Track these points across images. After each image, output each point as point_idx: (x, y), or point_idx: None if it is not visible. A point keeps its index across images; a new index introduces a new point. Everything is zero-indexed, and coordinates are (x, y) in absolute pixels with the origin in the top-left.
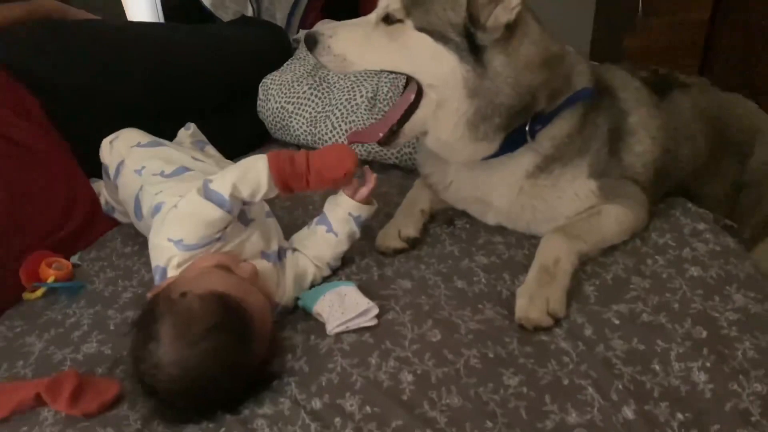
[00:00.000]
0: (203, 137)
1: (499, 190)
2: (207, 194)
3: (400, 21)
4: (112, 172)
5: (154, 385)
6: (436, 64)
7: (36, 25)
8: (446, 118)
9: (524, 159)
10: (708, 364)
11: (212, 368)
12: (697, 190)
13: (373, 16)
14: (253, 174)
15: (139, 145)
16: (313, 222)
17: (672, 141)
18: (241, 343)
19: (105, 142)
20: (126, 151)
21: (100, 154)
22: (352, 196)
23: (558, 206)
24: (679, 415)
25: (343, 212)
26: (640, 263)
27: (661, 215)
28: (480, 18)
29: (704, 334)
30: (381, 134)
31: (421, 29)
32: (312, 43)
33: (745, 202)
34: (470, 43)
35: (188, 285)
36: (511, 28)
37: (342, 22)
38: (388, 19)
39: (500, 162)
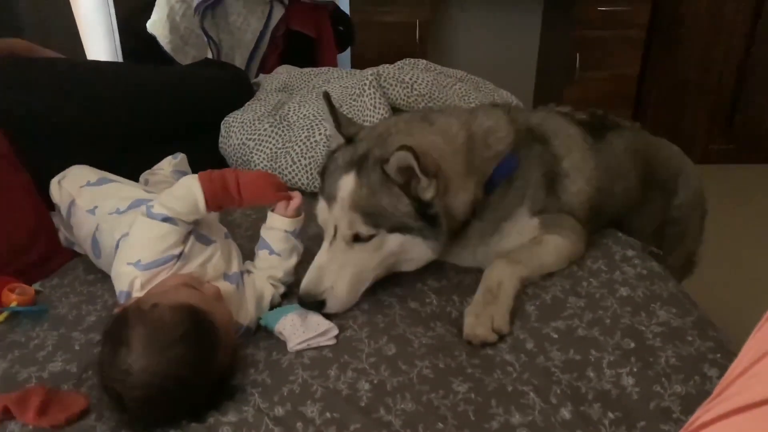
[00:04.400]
0: (187, 169)
1: (457, 258)
2: (150, 215)
3: (372, 236)
4: (64, 211)
5: (122, 393)
6: (411, 249)
7: (1, 61)
8: (416, 265)
9: (473, 232)
10: (635, 370)
11: (179, 375)
12: (628, 224)
13: (340, 243)
14: (190, 197)
15: (88, 184)
16: (256, 249)
17: (606, 180)
18: (208, 351)
19: (54, 182)
20: (76, 191)
21: (50, 193)
22: (283, 213)
23: (503, 246)
24: (610, 414)
25: (278, 232)
26: (576, 285)
27: (594, 244)
28: (422, 197)
29: (632, 344)
30: None
31: (391, 230)
32: (320, 306)
33: (669, 237)
34: (425, 216)
35: (158, 298)
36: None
37: (316, 266)
38: (359, 239)
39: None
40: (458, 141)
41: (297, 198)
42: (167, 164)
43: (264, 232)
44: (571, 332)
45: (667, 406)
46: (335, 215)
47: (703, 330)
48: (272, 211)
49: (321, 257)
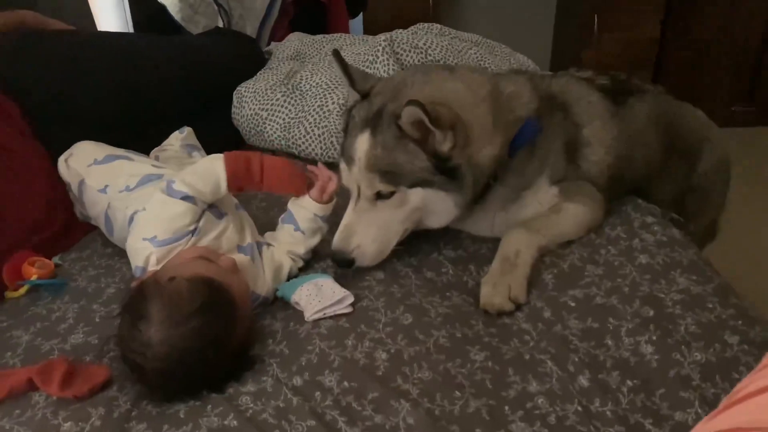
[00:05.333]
0: (196, 142)
1: (475, 226)
2: (170, 192)
3: (392, 193)
4: (75, 189)
5: (142, 364)
6: (434, 203)
7: (13, 34)
8: (442, 220)
9: (495, 198)
10: (654, 338)
11: (197, 346)
12: (648, 191)
13: (364, 202)
14: (212, 177)
15: (95, 162)
16: (280, 222)
17: (626, 148)
18: (225, 323)
19: (61, 161)
20: (84, 170)
21: (59, 172)
22: (318, 198)
23: (523, 215)
24: (629, 382)
25: (308, 213)
26: (594, 253)
27: (613, 211)
28: (440, 150)
29: (651, 312)
30: None
31: (411, 186)
32: (350, 264)
33: (690, 206)
34: (446, 170)
35: (175, 271)
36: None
37: (343, 226)
38: (382, 196)
39: (472, 208)
40: (482, 91)
41: (333, 183)
42: (175, 139)
43: (293, 207)
44: (589, 300)
45: (686, 374)
46: (355, 176)
47: (724, 297)
48: (307, 192)
49: (347, 217)
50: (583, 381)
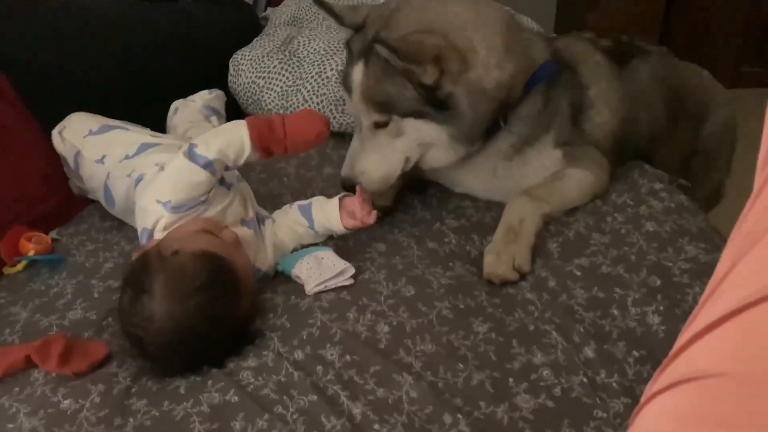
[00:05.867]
0: (220, 108)
1: (475, 175)
2: (192, 157)
3: (387, 122)
4: (71, 162)
5: (144, 339)
6: (427, 134)
7: (3, 4)
8: (443, 157)
9: (500, 143)
10: (661, 308)
11: (201, 322)
12: (654, 155)
13: (366, 131)
14: (236, 139)
15: (90, 133)
16: (296, 208)
17: (631, 110)
18: (229, 299)
19: (55, 134)
20: (79, 142)
21: (54, 145)
22: (349, 228)
23: (525, 179)
24: (635, 353)
25: (328, 224)
26: (600, 221)
27: (619, 177)
28: (423, 82)
29: (658, 282)
30: None
31: (404, 116)
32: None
33: (697, 169)
34: (437, 101)
35: (178, 244)
36: (457, 65)
37: (349, 154)
38: (378, 125)
39: (477, 151)
40: (492, 14)
41: (371, 219)
42: (200, 98)
43: (316, 208)
44: (595, 269)
45: None
46: (354, 105)
47: None
48: (341, 203)
49: (353, 145)
50: (589, 352)
